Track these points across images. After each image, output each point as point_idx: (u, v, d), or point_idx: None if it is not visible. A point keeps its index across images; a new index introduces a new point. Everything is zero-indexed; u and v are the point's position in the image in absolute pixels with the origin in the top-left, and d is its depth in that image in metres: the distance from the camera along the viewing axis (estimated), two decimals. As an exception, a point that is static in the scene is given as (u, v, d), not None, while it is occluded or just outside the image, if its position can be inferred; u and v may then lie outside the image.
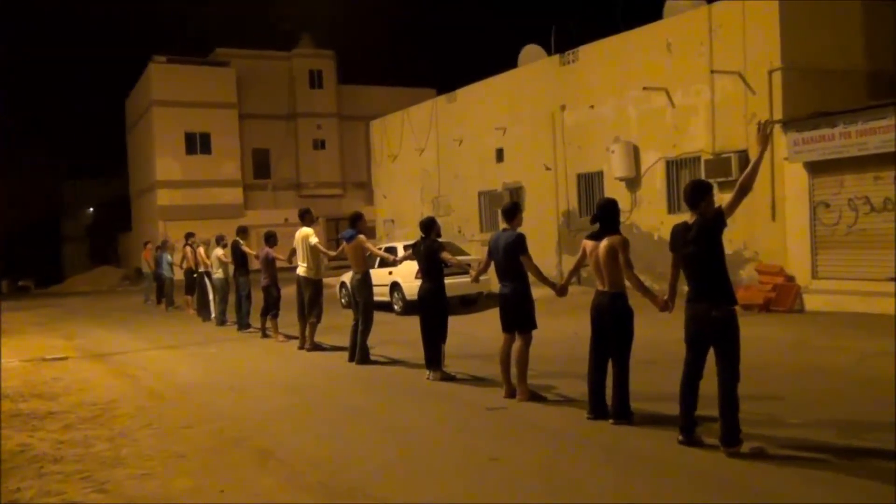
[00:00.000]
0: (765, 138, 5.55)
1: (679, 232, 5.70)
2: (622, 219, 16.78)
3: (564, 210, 18.57)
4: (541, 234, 18.12)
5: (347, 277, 17.94)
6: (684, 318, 5.69)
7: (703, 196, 5.55)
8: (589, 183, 17.99)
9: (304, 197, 39.90)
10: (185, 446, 6.35)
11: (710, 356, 5.62)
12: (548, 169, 18.85)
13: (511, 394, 7.55)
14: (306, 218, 11.49)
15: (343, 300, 18.05)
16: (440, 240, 9.18)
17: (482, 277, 8.93)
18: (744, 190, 5.44)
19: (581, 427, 6.42)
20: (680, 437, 5.74)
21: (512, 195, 19.88)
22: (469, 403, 7.57)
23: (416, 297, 15.61)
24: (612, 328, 6.48)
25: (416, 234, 22.67)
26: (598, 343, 6.61)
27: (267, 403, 8.12)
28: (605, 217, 6.55)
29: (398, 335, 12.66)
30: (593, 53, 17.70)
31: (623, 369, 6.44)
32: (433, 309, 8.76)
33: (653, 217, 16.02)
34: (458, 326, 11.48)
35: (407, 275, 15.73)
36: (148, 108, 37.96)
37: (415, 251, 9.02)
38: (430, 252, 8.72)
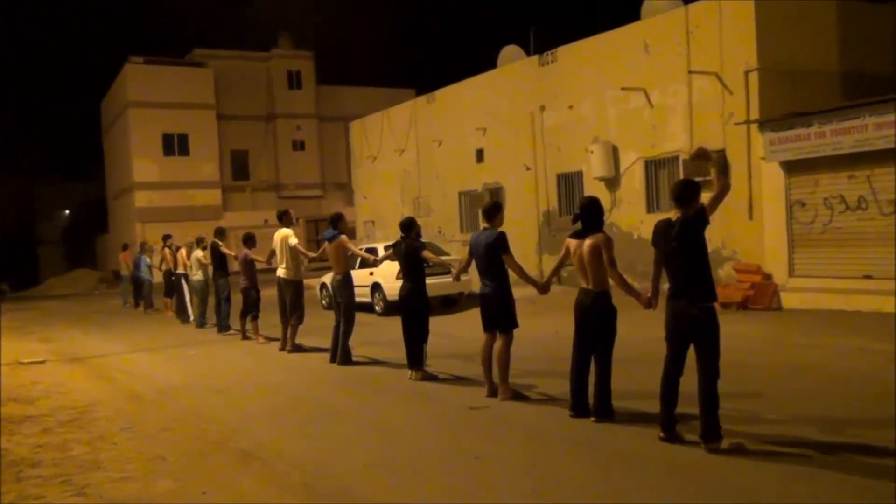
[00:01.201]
0: (705, 158, 5.69)
1: (662, 228, 5.74)
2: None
3: (545, 210, 18.65)
4: (521, 233, 18.17)
5: (328, 279, 17.86)
6: (665, 315, 5.74)
7: (692, 195, 5.60)
8: (569, 183, 18.07)
9: (284, 198, 39.75)
10: (165, 449, 6.30)
11: (691, 353, 5.67)
12: (528, 169, 18.92)
13: (493, 393, 7.57)
14: (285, 219, 11.45)
15: (324, 301, 17.99)
16: (422, 240, 9.19)
17: (463, 277, 8.94)
18: (723, 191, 5.52)
19: (563, 425, 6.45)
20: (661, 434, 5.78)
21: (492, 195, 19.92)
22: (451, 403, 7.58)
23: (397, 298, 15.73)
24: (595, 326, 6.52)
25: (396, 235, 22.66)
26: (581, 341, 6.64)
27: (248, 405, 8.08)
28: (589, 215, 6.57)
29: (380, 336, 12.65)
30: (572, 54, 17.79)
31: (605, 367, 6.47)
32: (414, 309, 8.76)
33: (632, 216, 16.13)
34: (440, 326, 11.48)
35: (388, 275, 15.72)
36: (124, 110, 37.63)
37: (395, 251, 9.02)
38: (411, 252, 8.72)
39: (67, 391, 9.13)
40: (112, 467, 5.76)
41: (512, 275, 7.46)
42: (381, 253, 12.86)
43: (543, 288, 7.31)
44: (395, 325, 14.36)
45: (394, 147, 24.79)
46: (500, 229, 7.52)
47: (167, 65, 38.26)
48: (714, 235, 14.11)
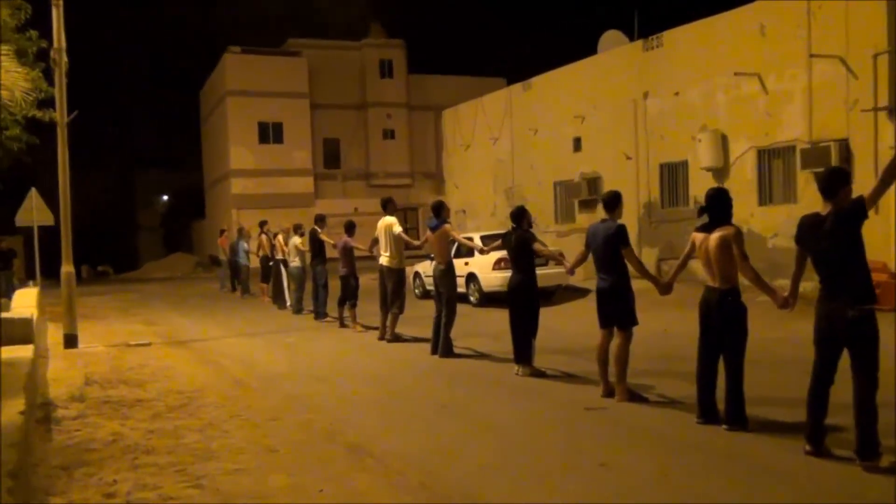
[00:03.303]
0: None
1: (809, 224, 5.23)
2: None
3: (645, 201, 17.98)
4: (621, 225, 17.57)
5: (422, 268, 17.76)
6: (815, 318, 5.22)
7: (842, 185, 5.09)
8: (672, 173, 17.37)
9: (374, 186, 39.96)
10: (275, 439, 6.16)
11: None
12: (628, 158, 18.27)
13: (609, 393, 7.17)
14: (389, 207, 11.25)
15: (417, 290, 17.85)
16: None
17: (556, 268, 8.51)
18: (887, 180, 4.97)
19: (692, 432, 5.99)
20: (807, 447, 5.27)
21: (590, 185, 19.38)
22: (565, 402, 7.21)
23: (492, 289, 15.43)
24: (723, 326, 6.03)
25: (488, 225, 22.20)
26: (707, 342, 6.17)
27: (353, 396, 7.92)
28: (716, 207, 6.10)
29: (478, 327, 12.38)
30: (679, 38, 17.04)
31: (737, 371, 5.99)
32: (524, 302, 8.41)
33: (742, 209, 15.23)
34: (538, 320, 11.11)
35: (484, 266, 15.46)
36: (223, 98, 38.49)
37: (505, 241, 8.67)
38: (522, 242, 8.36)
39: (174, 375, 9.19)
40: (225, 457, 5.64)
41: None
42: (477, 242, 12.55)
43: (666, 287, 6.83)
44: (492, 316, 14.13)
45: (487, 135, 24.45)
46: (620, 221, 7.11)
47: (263, 54, 38.91)
48: (833, 230, 13.24)
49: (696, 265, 6.61)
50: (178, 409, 7.29)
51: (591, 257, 7.55)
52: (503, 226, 22.29)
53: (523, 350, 8.39)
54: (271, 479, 5.15)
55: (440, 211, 9.98)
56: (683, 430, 6.08)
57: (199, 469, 5.35)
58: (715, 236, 6.03)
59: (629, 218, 17.92)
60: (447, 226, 9.92)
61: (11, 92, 13.06)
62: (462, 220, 26.15)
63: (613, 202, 7.16)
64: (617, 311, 7.07)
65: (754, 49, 15.02)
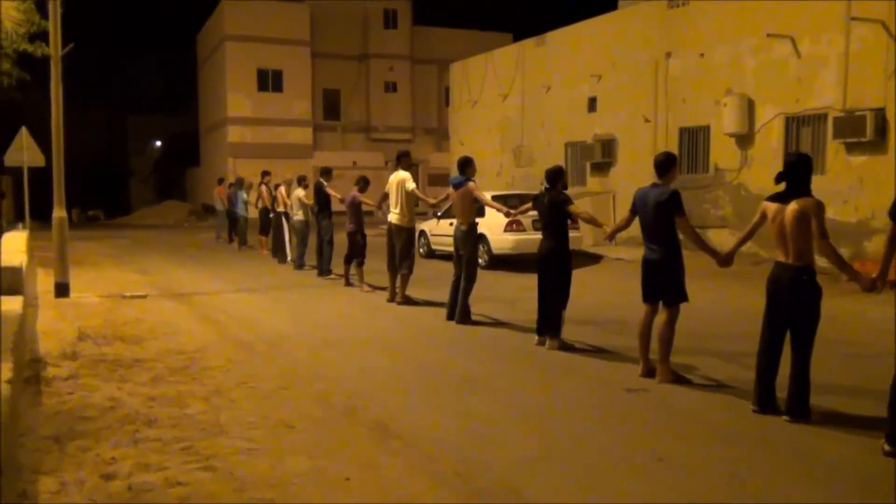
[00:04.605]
0: None
1: (911, 198, 4.62)
2: (729, 178, 15.60)
3: (662, 166, 17.30)
4: (633, 191, 16.91)
5: (428, 226, 17.11)
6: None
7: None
8: (693, 138, 16.68)
9: (374, 140, 39.13)
10: (289, 412, 5.59)
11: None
12: (647, 121, 17.55)
13: (648, 373, 6.62)
14: (403, 161, 10.56)
15: (422, 250, 17.22)
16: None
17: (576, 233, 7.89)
18: None
19: (750, 423, 5.44)
20: (885, 447, 4.73)
21: (603, 147, 18.68)
22: (602, 381, 6.65)
23: (502, 252, 14.84)
24: (794, 308, 5.45)
25: (493, 185, 21.42)
26: (773, 323, 5.58)
27: (369, 365, 7.32)
28: (797, 175, 5.46)
29: (491, 291, 11.78)
30: (708, -4, 16.22)
31: (805, 357, 5.43)
32: (555, 270, 7.79)
33: (765, 178, 14.57)
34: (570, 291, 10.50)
35: (494, 227, 14.82)
36: (221, 43, 37.33)
37: (536, 203, 8.01)
38: (556, 205, 7.70)
39: (173, 332, 8.59)
40: (235, 433, 5.06)
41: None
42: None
43: (725, 260, 6.24)
44: (503, 280, 13.56)
45: (497, 91, 23.63)
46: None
47: (265, -1, 37.66)
48: (862, 204, 12.72)
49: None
50: (179, 373, 6.70)
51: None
52: (510, 186, 21.67)
53: (549, 321, 7.80)
54: (290, 462, 4.58)
55: (465, 167, 9.31)
56: (740, 419, 5.53)
57: (208, 447, 4.77)
58: (792, 208, 5.38)
59: (644, 183, 17.36)
60: (471, 184, 9.26)
61: (1, 23, 12.24)
62: (466, 178, 25.43)
63: (666, 164, 6.52)
64: (665, 284, 6.47)
65: (788, 10, 14.25)
